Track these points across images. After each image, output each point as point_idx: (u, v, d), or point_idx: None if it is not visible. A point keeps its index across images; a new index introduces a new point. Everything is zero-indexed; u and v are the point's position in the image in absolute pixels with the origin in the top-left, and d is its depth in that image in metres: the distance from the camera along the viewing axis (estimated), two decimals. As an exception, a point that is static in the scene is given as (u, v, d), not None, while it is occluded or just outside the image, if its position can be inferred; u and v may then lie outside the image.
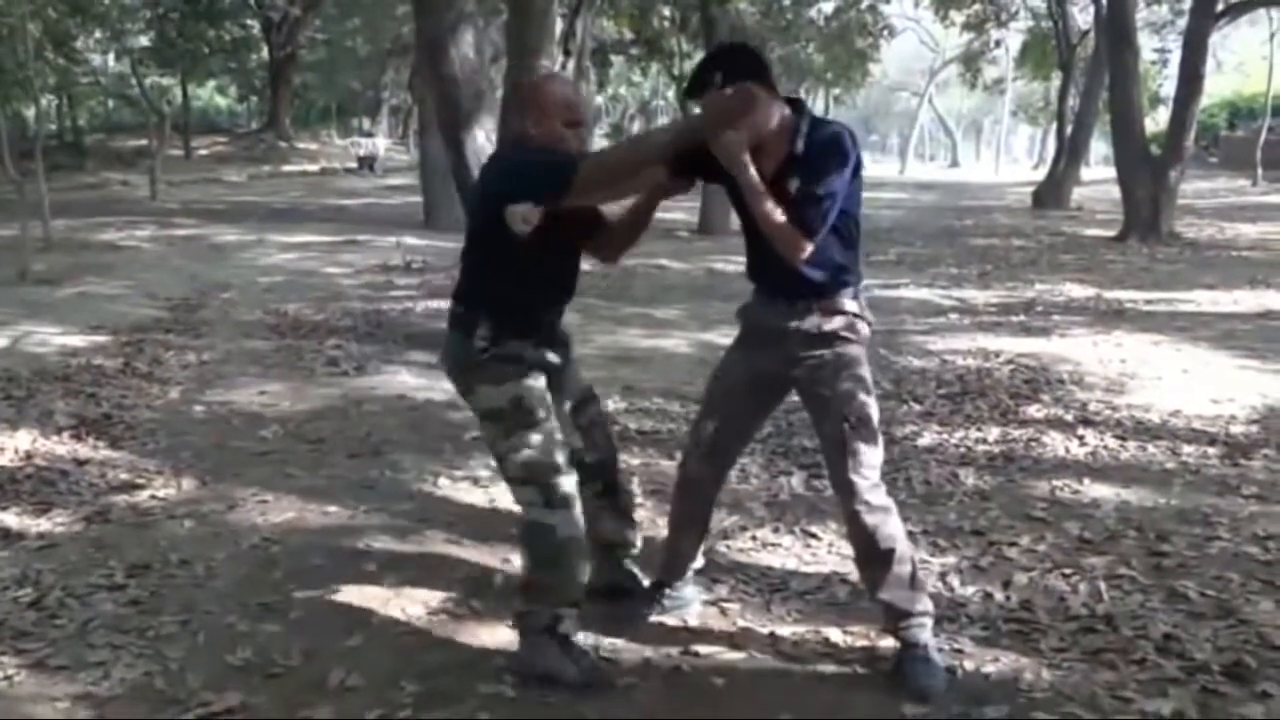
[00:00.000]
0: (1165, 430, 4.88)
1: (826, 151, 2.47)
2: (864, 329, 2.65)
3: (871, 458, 2.62)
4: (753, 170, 2.43)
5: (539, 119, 2.64)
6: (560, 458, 2.66)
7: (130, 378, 6.05)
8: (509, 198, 2.51)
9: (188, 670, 2.73)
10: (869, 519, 2.59)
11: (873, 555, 2.63)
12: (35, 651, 2.82)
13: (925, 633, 2.66)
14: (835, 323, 2.60)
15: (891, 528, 2.61)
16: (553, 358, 2.77)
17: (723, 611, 3.06)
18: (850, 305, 2.62)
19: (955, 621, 2.97)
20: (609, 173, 2.52)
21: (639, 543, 3.13)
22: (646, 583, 3.08)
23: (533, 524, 2.66)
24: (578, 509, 2.68)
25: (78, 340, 7.06)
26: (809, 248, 2.46)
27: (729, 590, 3.19)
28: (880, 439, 2.68)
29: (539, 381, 2.71)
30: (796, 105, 2.57)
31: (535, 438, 2.64)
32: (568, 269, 2.80)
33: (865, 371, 2.65)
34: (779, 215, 2.45)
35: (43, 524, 3.81)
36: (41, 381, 5.87)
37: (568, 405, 2.90)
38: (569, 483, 2.66)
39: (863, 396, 2.61)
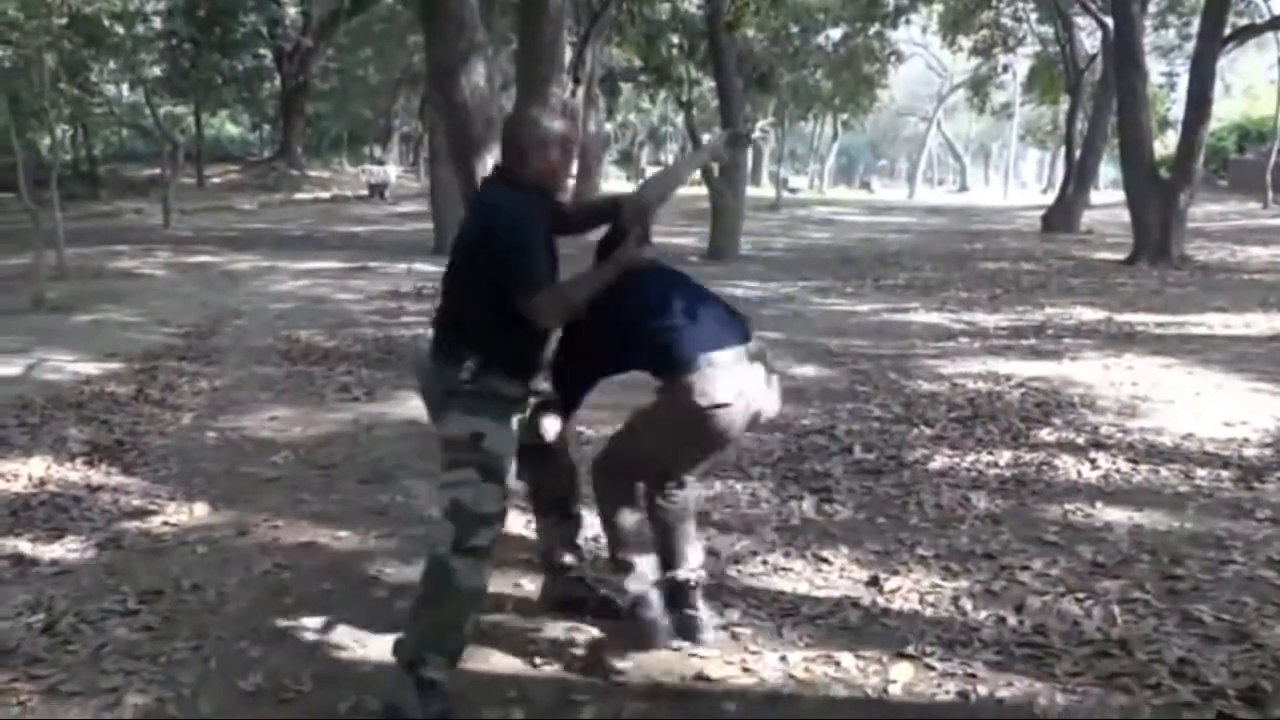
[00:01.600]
0: (1178, 453, 4.87)
1: None
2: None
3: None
4: None
5: (542, 155, 2.75)
6: (489, 509, 2.65)
7: (143, 404, 6.08)
8: (481, 269, 2.66)
9: (200, 696, 2.74)
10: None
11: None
12: (48, 678, 2.83)
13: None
14: None
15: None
16: (536, 387, 2.88)
17: (734, 636, 3.05)
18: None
19: (969, 646, 2.96)
20: (566, 307, 2.70)
21: (579, 562, 3.25)
22: (602, 592, 3.19)
23: (437, 560, 2.65)
24: (486, 564, 2.70)
25: (91, 367, 7.11)
26: None
27: (740, 615, 3.18)
28: (621, 476, 2.91)
29: (510, 423, 2.74)
30: None
31: (475, 480, 2.64)
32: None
33: (651, 416, 2.81)
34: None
35: (56, 550, 3.82)
36: (55, 408, 5.91)
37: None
38: (487, 536, 2.65)
39: (626, 436, 2.91)
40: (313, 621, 3.15)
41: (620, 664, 2.85)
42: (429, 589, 2.66)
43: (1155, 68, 23.90)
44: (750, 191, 18.92)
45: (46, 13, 13.04)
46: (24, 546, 3.84)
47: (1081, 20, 22.10)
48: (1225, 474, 4.54)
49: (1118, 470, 4.63)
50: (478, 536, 2.63)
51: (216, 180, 30.26)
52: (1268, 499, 4.19)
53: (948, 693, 2.72)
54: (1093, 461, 4.75)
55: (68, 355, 7.50)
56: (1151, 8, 21.38)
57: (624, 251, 2.74)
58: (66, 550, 3.82)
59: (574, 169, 2.96)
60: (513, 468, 2.78)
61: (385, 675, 2.81)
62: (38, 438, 5.31)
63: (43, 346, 7.78)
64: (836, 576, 3.49)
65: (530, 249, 2.64)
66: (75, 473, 4.76)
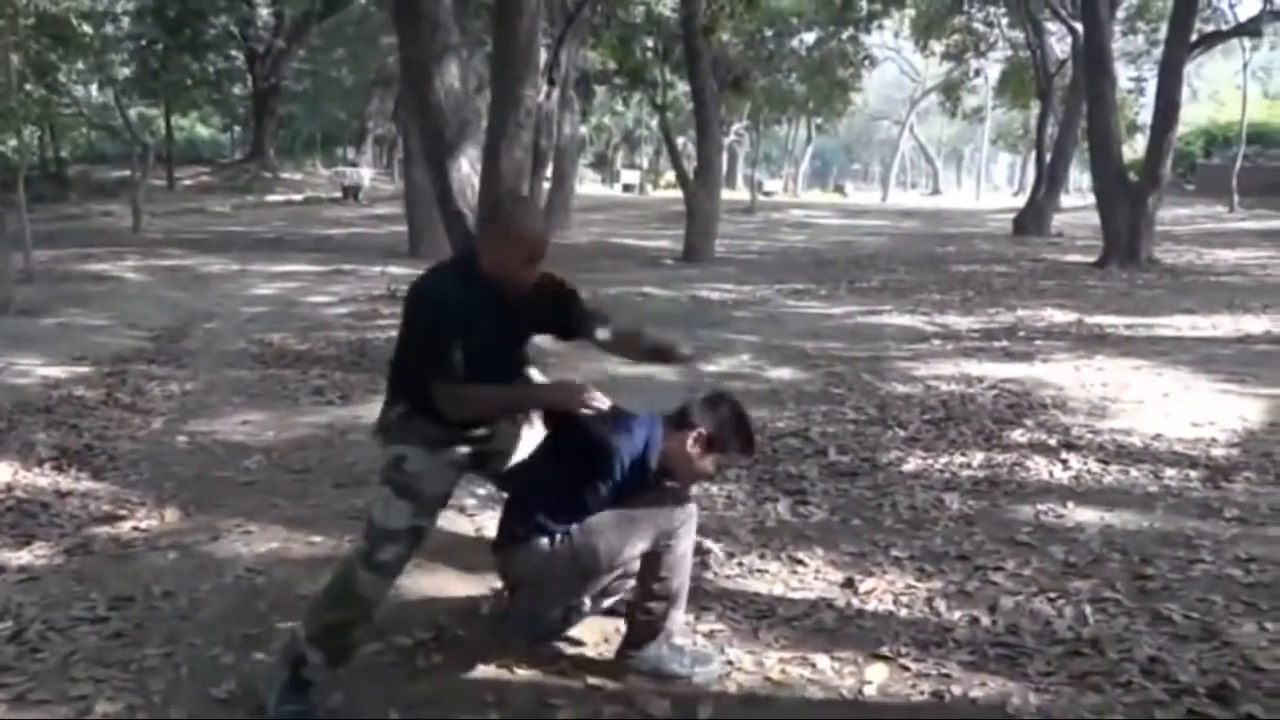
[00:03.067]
0: (1147, 454, 4.92)
1: None
2: None
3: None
4: None
5: (505, 251, 2.63)
6: (396, 525, 2.67)
7: (112, 408, 6.01)
8: (409, 347, 2.73)
9: (171, 704, 2.71)
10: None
11: None
12: (16, 686, 2.79)
13: None
14: None
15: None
16: (468, 441, 2.78)
17: (710, 638, 3.05)
18: None
19: (942, 646, 2.98)
20: (460, 404, 2.67)
21: None
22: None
23: (346, 565, 2.76)
24: (389, 581, 2.77)
25: (60, 371, 7.02)
26: None
27: (716, 617, 3.19)
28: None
29: (436, 454, 2.73)
30: None
31: (389, 496, 2.70)
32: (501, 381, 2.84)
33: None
34: None
35: (24, 556, 3.77)
36: (23, 413, 5.83)
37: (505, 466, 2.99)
38: (393, 552, 2.69)
39: None
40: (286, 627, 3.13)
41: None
42: (331, 591, 2.75)
43: (1124, 73, 24.20)
44: (725, 194, 18.99)
45: (13, 13, 12.88)
46: (-9, 553, 3.79)
47: (1052, 25, 22.32)
48: (1194, 474, 4.60)
49: (1089, 471, 4.68)
50: (384, 552, 2.68)
51: (188, 182, 29.98)
52: (1235, 498, 4.25)
53: (922, 693, 2.74)
54: (1064, 462, 4.79)
55: (35, 359, 7.40)
56: (1120, 14, 21.65)
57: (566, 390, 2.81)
58: (35, 556, 3.77)
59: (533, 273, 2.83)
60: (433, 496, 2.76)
61: (359, 680, 2.80)
62: (5, 442, 5.24)
63: (10, 350, 7.67)
64: (812, 578, 3.51)
65: (444, 337, 2.61)
66: (43, 478, 4.70)
